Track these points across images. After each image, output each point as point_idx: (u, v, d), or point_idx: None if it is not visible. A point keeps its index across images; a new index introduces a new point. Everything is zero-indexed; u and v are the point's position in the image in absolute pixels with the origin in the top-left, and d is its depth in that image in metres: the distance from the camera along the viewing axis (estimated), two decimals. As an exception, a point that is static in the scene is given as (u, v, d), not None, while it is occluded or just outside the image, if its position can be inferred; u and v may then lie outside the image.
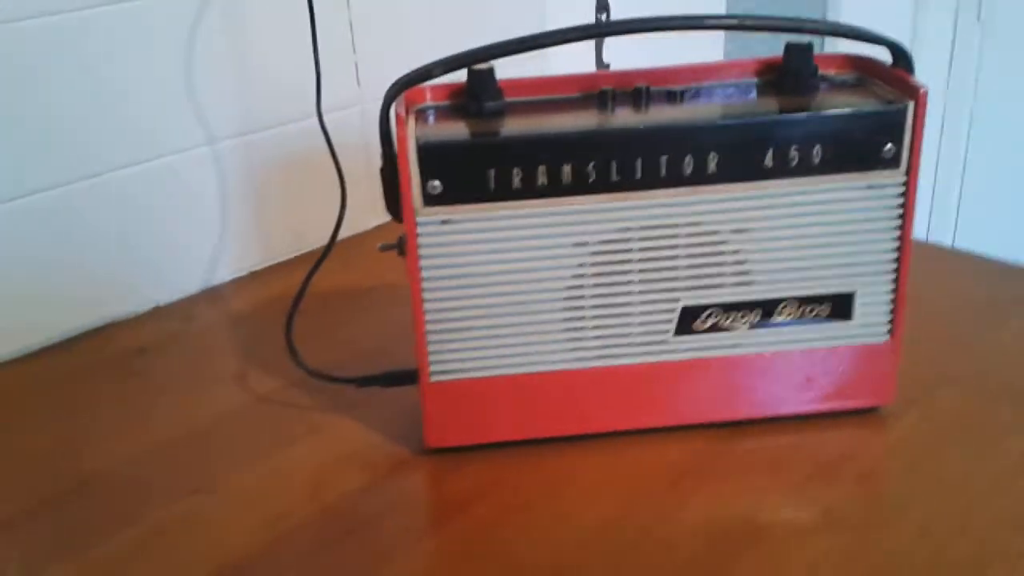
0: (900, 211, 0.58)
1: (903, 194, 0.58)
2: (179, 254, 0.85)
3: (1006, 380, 0.67)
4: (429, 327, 0.59)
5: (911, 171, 0.57)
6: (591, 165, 0.56)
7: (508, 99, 0.60)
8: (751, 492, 0.58)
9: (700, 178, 0.57)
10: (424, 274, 0.57)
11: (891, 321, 0.61)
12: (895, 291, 0.60)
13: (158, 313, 0.84)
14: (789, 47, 0.60)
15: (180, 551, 0.55)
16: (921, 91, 0.56)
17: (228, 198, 0.87)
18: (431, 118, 0.59)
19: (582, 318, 0.59)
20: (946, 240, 1.88)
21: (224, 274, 0.88)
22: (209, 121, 0.84)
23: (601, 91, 0.60)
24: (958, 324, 0.75)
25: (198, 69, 0.82)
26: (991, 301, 0.78)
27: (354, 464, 0.62)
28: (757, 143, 0.56)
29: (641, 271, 0.59)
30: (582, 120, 0.58)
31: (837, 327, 0.61)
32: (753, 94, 0.61)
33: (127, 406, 0.70)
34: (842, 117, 0.56)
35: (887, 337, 0.61)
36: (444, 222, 0.56)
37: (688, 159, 0.56)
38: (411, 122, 0.57)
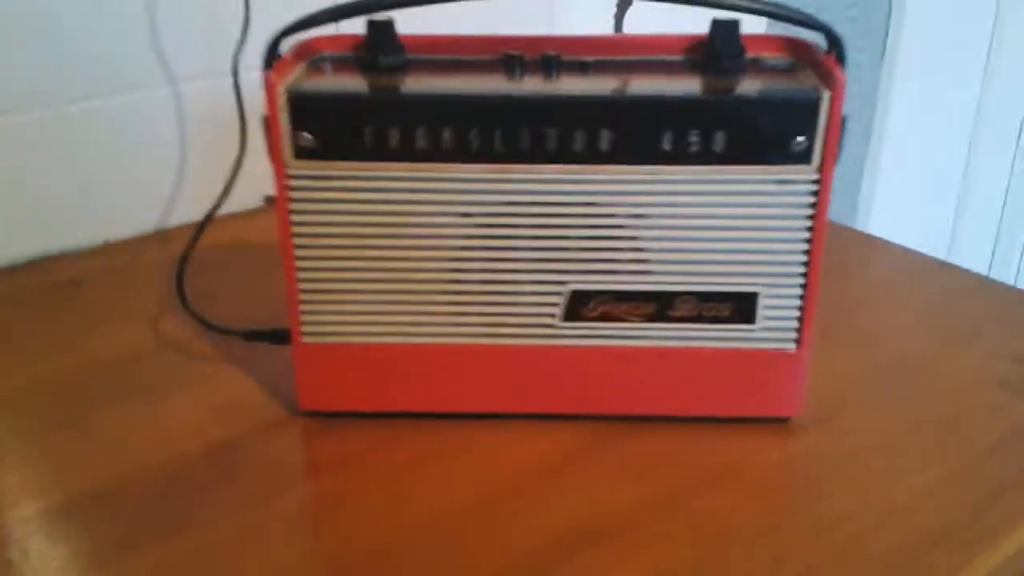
0: (811, 211, 0.54)
1: (815, 192, 0.53)
2: (135, 193, 0.85)
3: (933, 410, 0.61)
4: (302, 287, 0.57)
5: (824, 168, 0.53)
6: (473, 132, 0.53)
7: (411, 56, 0.58)
8: (618, 494, 0.54)
9: (592, 156, 0.53)
10: (296, 230, 0.55)
11: (799, 330, 0.56)
12: (803, 298, 0.55)
13: (107, 249, 0.84)
14: (714, 24, 0.56)
15: (28, 484, 0.55)
16: (838, 81, 0.51)
17: (189, 142, 0.86)
18: (327, 69, 0.57)
19: (468, 292, 0.56)
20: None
21: (180, 217, 0.87)
22: (173, 62, 0.83)
23: (507, 56, 0.56)
24: (903, 339, 0.69)
25: (163, 7, 0.81)
26: (952, 320, 0.72)
27: (226, 418, 0.60)
28: (652, 124, 0.52)
29: (530, 248, 0.55)
30: (478, 84, 0.55)
31: (739, 330, 0.57)
32: (670, 72, 0.57)
33: (34, 336, 0.70)
34: (747, 103, 0.52)
35: (794, 346, 0.57)
36: (318, 178, 0.54)
37: (579, 135, 0.53)
38: (298, 70, 0.55)
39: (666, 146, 0.53)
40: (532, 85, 0.54)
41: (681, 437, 0.58)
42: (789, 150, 0.52)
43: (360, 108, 0.53)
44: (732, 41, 0.56)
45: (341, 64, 0.57)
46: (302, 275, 0.56)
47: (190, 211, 0.87)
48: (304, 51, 0.58)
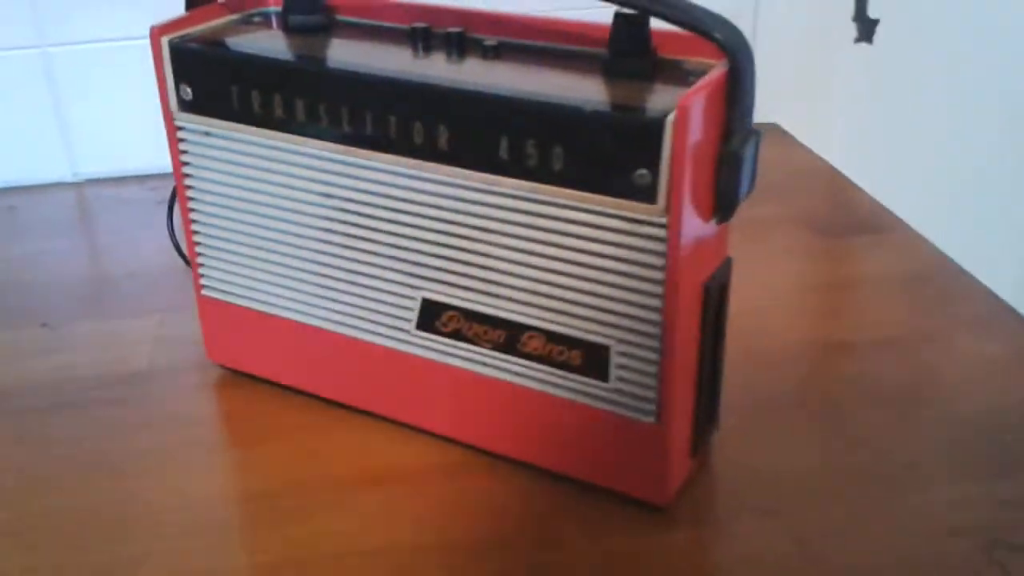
0: (662, 260, 0.43)
1: (664, 240, 0.42)
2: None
3: (843, 557, 0.47)
4: (196, 239, 0.57)
5: (671, 211, 0.42)
6: (321, 108, 0.49)
7: (332, 17, 0.54)
8: (395, 529, 0.49)
9: (430, 152, 0.47)
10: (187, 182, 0.55)
11: (657, 400, 0.46)
12: (661, 363, 0.45)
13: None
14: (616, 18, 0.46)
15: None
16: (682, 106, 0.40)
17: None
18: (253, 23, 0.55)
19: (334, 277, 0.53)
20: None
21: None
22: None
23: (413, 30, 0.51)
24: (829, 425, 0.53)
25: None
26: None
27: (163, 351, 0.63)
28: (487, 126, 0.45)
29: (386, 244, 0.50)
30: (351, 57, 0.50)
31: (592, 384, 0.47)
32: (568, 67, 0.48)
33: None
34: (581, 116, 0.42)
35: (652, 418, 0.46)
36: (200, 132, 0.53)
37: (417, 126, 0.47)
38: (221, 21, 0.55)
39: (503, 154, 0.45)
40: (415, 64, 0.49)
41: (539, 496, 0.51)
42: (632, 183, 0.42)
43: (228, 68, 0.51)
44: (636, 38, 0.45)
45: (268, 21, 0.56)
46: (195, 227, 0.56)
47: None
48: (249, 2, 0.57)
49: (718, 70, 0.42)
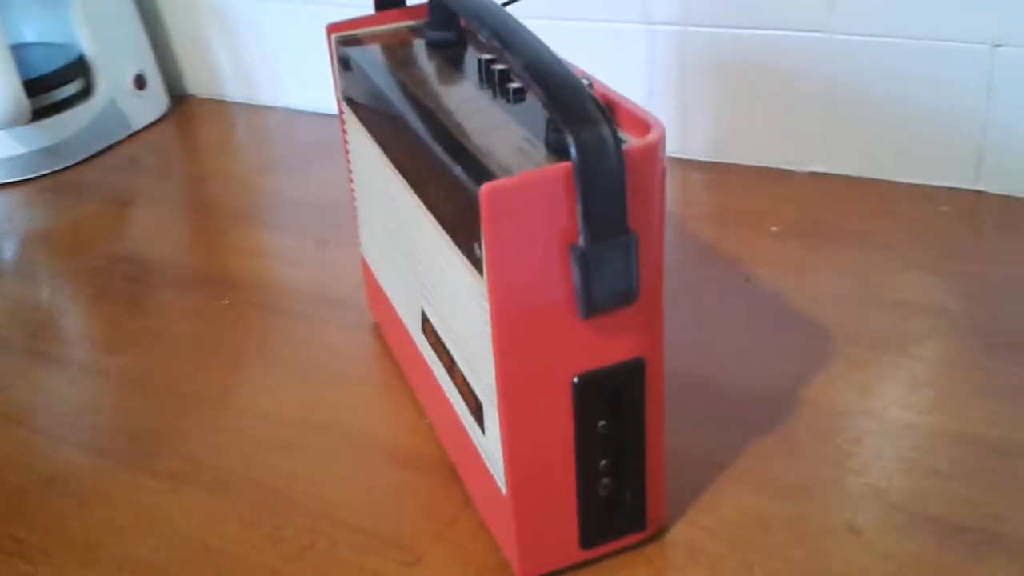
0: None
1: (487, 317, 0.42)
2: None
3: None
4: (356, 206, 0.67)
5: (492, 290, 0.41)
6: (380, 127, 0.55)
7: (464, 34, 0.59)
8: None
9: (415, 182, 0.51)
10: (348, 156, 0.65)
11: (504, 471, 0.46)
12: (501, 435, 0.45)
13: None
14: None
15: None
16: (484, 193, 0.39)
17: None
18: (414, 31, 0.62)
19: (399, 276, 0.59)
20: None
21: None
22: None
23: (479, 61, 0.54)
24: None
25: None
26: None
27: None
28: (428, 164, 0.47)
29: (403, 240, 0.56)
30: (433, 86, 0.55)
31: (479, 433, 0.48)
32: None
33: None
34: (451, 175, 0.43)
35: (503, 488, 0.46)
36: (345, 121, 0.63)
37: (408, 157, 0.51)
38: (396, 25, 0.63)
39: (432, 194, 0.47)
40: (436, 99, 0.52)
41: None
42: (473, 252, 0.42)
43: (347, 73, 0.59)
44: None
45: (423, 33, 0.61)
46: (355, 195, 0.66)
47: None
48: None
49: (565, 165, 0.40)
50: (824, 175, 0.86)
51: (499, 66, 0.51)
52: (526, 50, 0.43)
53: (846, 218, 0.79)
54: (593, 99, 0.40)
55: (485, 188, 0.39)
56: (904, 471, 0.53)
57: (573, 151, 0.39)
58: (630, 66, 0.90)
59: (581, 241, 0.40)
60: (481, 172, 0.42)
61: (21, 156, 0.99)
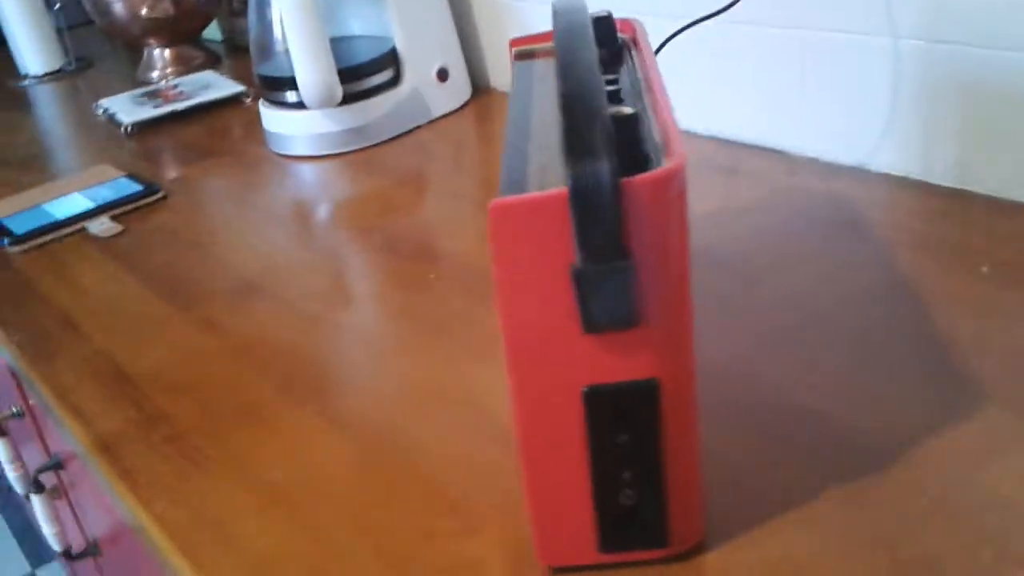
0: (510, 339, 0.47)
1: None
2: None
3: None
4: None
5: (501, 301, 0.45)
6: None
7: (623, 50, 0.62)
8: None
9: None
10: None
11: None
12: (516, 435, 0.49)
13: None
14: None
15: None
16: (492, 205, 0.43)
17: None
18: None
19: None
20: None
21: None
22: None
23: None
24: None
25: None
26: None
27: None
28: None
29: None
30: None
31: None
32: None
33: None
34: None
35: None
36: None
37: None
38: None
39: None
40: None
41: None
42: (503, 260, 0.47)
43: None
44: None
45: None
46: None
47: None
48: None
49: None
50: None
51: (611, 87, 0.54)
52: (571, 81, 0.46)
53: (1077, 273, 0.71)
54: (603, 132, 0.43)
55: (493, 204, 0.43)
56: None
57: (570, 181, 0.42)
58: (871, 81, 0.86)
59: (578, 262, 0.43)
60: (514, 185, 0.46)
61: (333, 134, 1.15)
